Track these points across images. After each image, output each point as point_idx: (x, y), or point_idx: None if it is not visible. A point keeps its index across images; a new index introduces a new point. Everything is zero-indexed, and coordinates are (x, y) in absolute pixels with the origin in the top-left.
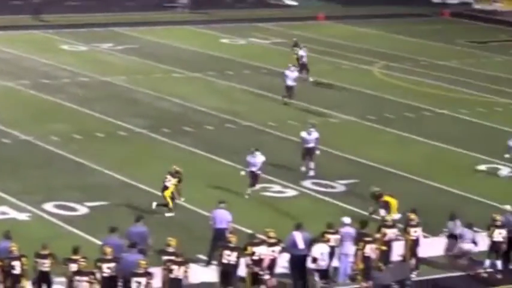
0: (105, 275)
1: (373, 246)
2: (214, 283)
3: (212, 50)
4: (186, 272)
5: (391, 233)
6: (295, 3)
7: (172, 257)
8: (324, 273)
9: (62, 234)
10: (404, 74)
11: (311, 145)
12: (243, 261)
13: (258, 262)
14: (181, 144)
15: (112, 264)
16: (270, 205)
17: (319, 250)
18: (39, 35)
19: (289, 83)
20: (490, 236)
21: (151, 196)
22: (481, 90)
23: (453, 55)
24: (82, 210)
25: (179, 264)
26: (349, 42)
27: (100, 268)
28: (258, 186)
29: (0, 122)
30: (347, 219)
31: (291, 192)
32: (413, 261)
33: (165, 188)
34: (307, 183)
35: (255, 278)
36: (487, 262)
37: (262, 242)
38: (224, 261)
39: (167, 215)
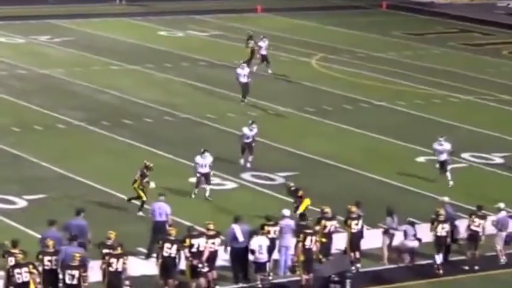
0: (46, 267)
1: (314, 238)
2: (154, 276)
3: (150, 42)
4: (124, 264)
5: (330, 225)
6: None
7: (110, 250)
8: (262, 266)
9: (1, 227)
10: (342, 66)
11: (250, 140)
12: (183, 254)
13: (197, 255)
14: (119, 137)
15: (54, 257)
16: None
17: (258, 242)
18: None
19: (242, 80)
20: (434, 231)
21: (89, 189)
22: (418, 82)
23: (390, 47)
24: (20, 203)
25: (117, 257)
26: (287, 35)
27: (41, 261)
28: (209, 187)
29: None
30: (287, 212)
31: (230, 185)
32: (357, 255)
33: (134, 181)
34: (246, 175)
35: (195, 271)
36: (437, 258)
37: (201, 235)
38: (165, 254)
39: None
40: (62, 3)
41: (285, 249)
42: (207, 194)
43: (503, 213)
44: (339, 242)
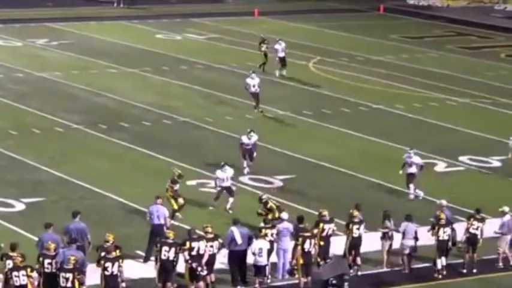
0: (46, 270)
1: (313, 241)
2: (152, 279)
3: (147, 45)
4: (120, 267)
5: (328, 228)
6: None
7: (106, 254)
8: (262, 269)
9: None
10: (340, 69)
11: (250, 147)
12: (181, 257)
13: (197, 257)
14: (117, 140)
15: (54, 260)
16: (207, 201)
17: (258, 246)
18: None
19: (252, 89)
20: (436, 235)
21: (87, 192)
22: (416, 85)
23: (388, 50)
24: (18, 206)
25: (112, 260)
26: (284, 38)
27: (42, 264)
28: (231, 200)
29: None
30: (285, 215)
31: None
32: (358, 261)
33: (166, 190)
34: (244, 178)
35: (194, 274)
36: (438, 262)
37: (201, 238)
38: (163, 257)
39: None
40: (60, 6)
41: (283, 252)
42: (228, 206)
43: (507, 217)
44: (337, 245)
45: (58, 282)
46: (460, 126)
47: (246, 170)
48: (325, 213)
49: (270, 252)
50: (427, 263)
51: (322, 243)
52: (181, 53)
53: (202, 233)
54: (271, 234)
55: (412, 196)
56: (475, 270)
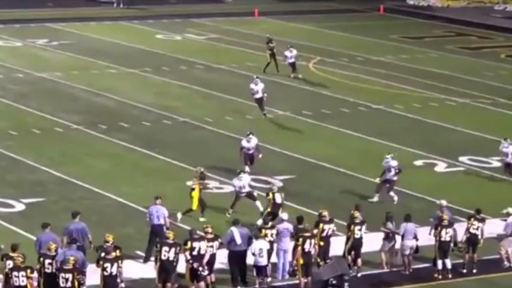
0: (47, 270)
1: (313, 241)
2: (152, 279)
3: (147, 45)
4: (120, 267)
5: (328, 228)
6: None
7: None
8: (263, 270)
9: None
10: (340, 70)
11: (251, 151)
12: (182, 257)
13: (198, 258)
14: (117, 140)
15: (54, 261)
16: (207, 201)
17: (258, 246)
18: None
19: (256, 95)
20: (438, 235)
21: (87, 192)
22: (416, 85)
23: (388, 50)
24: (18, 206)
25: (111, 261)
26: (284, 38)
27: (42, 264)
28: (258, 203)
29: None
30: (285, 215)
31: (228, 188)
32: (359, 262)
33: (191, 190)
34: None
35: (195, 274)
36: (440, 263)
37: (202, 238)
38: (163, 257)
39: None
40: (60, 7)
41: (283, 252)
42: (261, 209)
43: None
44: (337, 246)
45: (58, 283)
46: (459, 126)
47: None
48: (325, 213)
49: (269, 252)
50: (427, 263)
51: (322, 243)
52: (181, 53)
53: (202, 233)
54: (271, 235)
55: (375, 199)
56: (475, 271)
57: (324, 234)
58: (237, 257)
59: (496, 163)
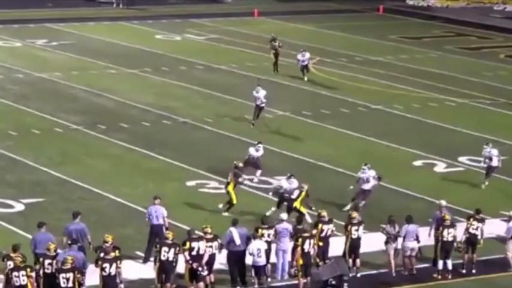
0: (46, 271)
1: (312, 241)
2: (151, 279)
3: (147, 46)
4: (119, 268)
5: (327, 228)
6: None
7: (104, 255)
8: (262, 270)
9: None
10: (339, 70)
11: (255, 160)
12: (181, 258)
13: (197, 258)
14: (117, 141)
15: (54, 261)
16: (206, 201)
17: (256, 246)
18: None
19: (258, 102)
20: (440, 236)
21: (87, 192)
22: (415, 85)
23: (387, 51)
24: (18, 207)
25: (110, 261)
26: (284, 38)
27: (42, 264)
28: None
29: None
30: (284, 215)
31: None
32: (357, 263)
33: (227, 184)
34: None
35: (194, 274)
36: (440, 263)
37: (201, 238)
38: (162, 258)
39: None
40: (59, 7)
41: (282, 252)
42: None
43: None
44: (336, 246)
45: (58, 284)
46: (459, 126)
47: (256, 178)
48: (324, 213)
49: (267, 252)
50: (426, 263)
51: (321, 243)
52: (181, 54)
53: (201, 234)
54: (268, 235)
55: (348, 207)
56: (474, 271)
57: (323, 234)
58: (236, 257)
59: (495, 163)
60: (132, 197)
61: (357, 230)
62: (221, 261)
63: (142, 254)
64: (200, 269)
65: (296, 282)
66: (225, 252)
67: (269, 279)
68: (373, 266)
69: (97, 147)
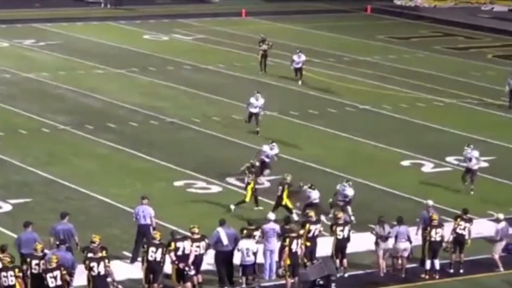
0: (34, 271)
1: (299, 241)
2: (139, 280)
3: (135, 46)
4: (108, 267)
5: (315, 229)
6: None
7: (91, 254)
8: (250, 269)
9: None
10: (327, 70)
11: (268, 160)
12: (167, 258)
13: (183, 258)
14: (104, 141)
15: (42, 261)
16: (194, 201)
17: (245, 245)
18: None
19: (253, 110)
20: (428, 236)
21: (74, 192)
22: (403, 85)
23: (375, 51)
24: (5, 207)
25: (97, 261)
26: (271, 38)
27: (29, 264)
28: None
29: None
30: (272, 215)
31: (215, 189)
32: (344, 263)
33: (247, 183)
34: (231, 179)
35: (181, 275)
36: (428, 263)
37: (185, 238)
38: (150, 258)
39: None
40: (47, 7)
41: (269, 253)
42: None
43: (502, 224)
44: (324, 246)
45: (46, 284)
46: (447, 126)
47: (265, 180)
48: (312, 213)
49: (254, 253)
50: (414, 263)
51: (308, 244)
52: (168, 54)
53: (187, 234)
54: (254, 236)
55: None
56: (462, 271)
57: (311, 234)
58: (224, 258)
59: (483, 163)
60: (119, 197)
61: (342, 231)
62: (209, 261)
63: (129, 254)
64: (187, 269)
65: (284, 282)
66: (212, 252)
67: (256, 279)
68: (360, 266)
69: (84, 147)
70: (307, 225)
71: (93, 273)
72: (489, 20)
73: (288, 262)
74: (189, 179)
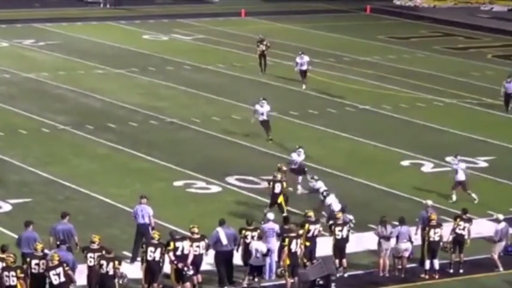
0: (33, 271)
1: (299, 241)
2: (139, 279)
3: (134, 46)
4: (117, 268)
5: (314, 228)
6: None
7: (101, 253)
8: (259, 270)
9: None
10: (327, 70)
11: (297, 166)
12: (166, 258)
13: (182, 258)
14: (104, 141)
15: (42, 261)
16: (194, 201)
17: (255, 246)
18: None
19: (261, 118)
20: (427, 236)
21: (74, 192)
22: (403, 85)
23: (375, 51)
24: (5, 207)
25: (108, 260)
26: (271, 38)
27: (29, 264)
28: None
29: None
30: (271, 215)
31: (215, 189)
32: (344, 263)
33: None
34: (231, 179)
35: (180, 274)
36: (428, 263)
37: (184, 238)
38: (149, 258)
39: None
40: (46, 7)
41: (269, 252)
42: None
43: (502, 224)
44: (323, 246)
45: (50, 282)
46: (447, 126)
47: (299, 189)
48: (311, 213)
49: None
50: (413, 263)
51: (308, 243)
52: (168, 54)
53: (187, 234)
54: (252, 237)
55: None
56: (461, 271)
57: (310, 234)
58: (223, 257)
59: (482, 163)
60: (119, 197)
61: (341, 231)
62: (209, 261)
63: (129, 254)
64: (186, 269)
65: (283, 282)
66: (212, 252)
67: (256, 279)
68: (360, 266)
69: (84, 147)
70: (307, 225)
71: (102, 271)
72: (489, 20)
73: (288, 262)
74: (188, 179)
